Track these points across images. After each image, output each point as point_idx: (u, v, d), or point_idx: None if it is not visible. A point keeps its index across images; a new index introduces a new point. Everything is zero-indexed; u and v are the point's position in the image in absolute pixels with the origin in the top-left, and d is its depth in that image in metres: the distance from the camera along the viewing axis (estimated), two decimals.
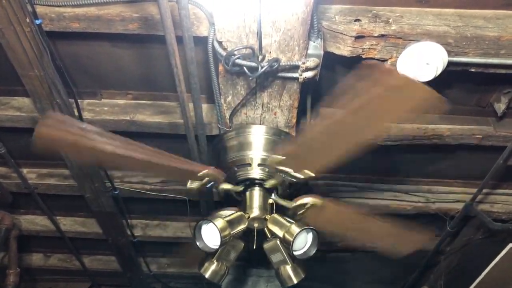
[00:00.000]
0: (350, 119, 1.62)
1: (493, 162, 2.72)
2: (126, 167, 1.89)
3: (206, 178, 2.10)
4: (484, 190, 3.09)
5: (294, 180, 2.08)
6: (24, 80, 2.31)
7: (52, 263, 4.67)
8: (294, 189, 2.39)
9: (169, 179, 2.18)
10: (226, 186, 2.28)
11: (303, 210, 2.18)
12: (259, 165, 2.30)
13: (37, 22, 2.02)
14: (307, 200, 2.16)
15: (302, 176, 2.03)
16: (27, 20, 2.00)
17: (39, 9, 2.02)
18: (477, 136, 2.63)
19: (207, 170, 2.06)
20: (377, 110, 1.55)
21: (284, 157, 1.98)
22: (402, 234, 2.33)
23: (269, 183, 2.26)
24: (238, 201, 2.44)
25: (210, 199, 3.23)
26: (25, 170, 3.28)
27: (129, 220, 3.82)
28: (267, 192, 2.32)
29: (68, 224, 3.96)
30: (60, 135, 1.62)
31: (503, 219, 3.28)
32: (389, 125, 1.72)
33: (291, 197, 2.28)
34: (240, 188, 2.34)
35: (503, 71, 2.11)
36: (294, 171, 2.03)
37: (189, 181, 2.12)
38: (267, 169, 2.31)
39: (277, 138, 2.38)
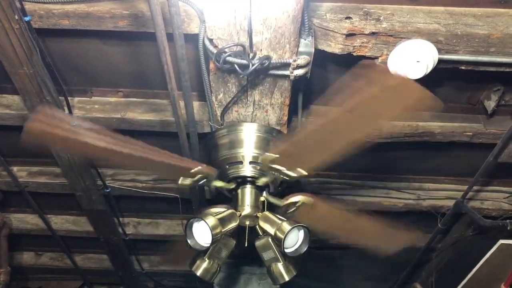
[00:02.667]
0: (344, 118, 1.63)
1: (484, 159, 2.74)
2: (118, 163, 1.88)
3: (199, 175, 2.09)
4: (475, 187, 3.11)
5: (287, 178, 2.08)
6: (14, 78, 2.29)
7: (44, 262, 4.64)
8: (285, 187, 2.40)
9: (161, 175, 2.16)
10: (218, 183, 2.28)
11: (294, 208, 2.19)
12: (250, 162, 2.30)
13: (26, 19, 2.00)
14: (298, 198, 2.18)
15: (294, 175, 2.04)
16: (16, 17, 1.98)
17: (28, 6, 1.99)
18: (468, 133, 2.64)
19: (200, 167, 2.06)
20: (371, 109, 1.56)
21: (277, 155, 1.99)
22: (389, 233, 2.36)
23: (261, 181, 2.26)
24: (229, 198, 2.44)
25: (202, 197, 3.22)
26: (15, 168, 3.26)
27: (120, 218, 3.80)
28: (258, 190, 2.32)
29: (59, 222, 3.94)
30: (51, 130, 1.61)
31: (493, 216, 3.31)
32: (382, 124, 1.72)
33: (282, 196, 2.29)
34: (232, 185, 2.34)
35: (493, 69, 2.12)
36: (287, 169, 2.04)
37: (181, 178, 2.12)
38: (258, 167, 2.31)
39: (269, 135, 2.38)
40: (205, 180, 2.16)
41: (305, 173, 2.01)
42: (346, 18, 2.00)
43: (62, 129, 1.65)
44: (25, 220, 3.94)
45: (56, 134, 1.63)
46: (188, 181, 2.12)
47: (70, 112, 2.51)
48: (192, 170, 2.04)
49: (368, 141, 1.71)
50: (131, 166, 1.99)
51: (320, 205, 2.23)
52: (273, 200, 2.27)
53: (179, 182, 2.12)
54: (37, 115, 1.60)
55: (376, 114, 1.60)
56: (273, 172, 2.11)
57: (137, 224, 3.98)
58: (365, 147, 1.68)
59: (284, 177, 2.10)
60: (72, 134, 1.67)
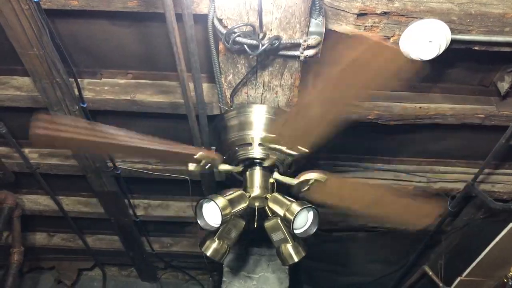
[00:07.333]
0: (330, 89, 1.62)
1: (496, 141, 2.71)
2: (123, 155, 1.94)
3: (203, 161, 2.10)
4: (486, 170, 3.09)
5: (289, 157, 2.10)
6: (24, 59, 2.30)
7: (56, 242, 4.72)
8: (297, 167, 2.39)
9: (168, 163, 2.20)
10: (225, 167, 2.28)
11: (307, 187, 2.18)
12: (259, 144, 2.30)
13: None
14: (310, 175, 2.15)
15: (295, 153, 2.05)
16: None
17: None
18: (480, 115, 2.61)
19: (201, 153, 2.06)
20: (354, 76, 1.53)
21: (274, 135, 2.01)
22: (415, 207, 2.30)
23: (267, 162, 2.26)
24: (240, 180, 2.44)
25: (212, 179, 3.24)
26: (26, 150, 3.28)
27: (131, 200, 3.83)
28: (268, 171, 2.32)
29: (71, 204, 3.98)
30: (55, 134, 1.67)
31: (504, 199, 3.29)
32: (370, 91, 1.67)
33: (294, 176, 2.28)
34: (239, 168, 2.35)
35: (507, 49, 2.09)
36: (287, 148, 2.05)
37: (189, 164, 2.13)
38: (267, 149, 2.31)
39: (278, 117, 2.37)
40: (210, 165, 2.17)
41: (305, 150, 2.01)
42: None
43: (65, 131, 1.70)
44: (37, 201, 3.99)
45: (60, 137, 1.69)
46: (195, 167, 2.13)
47: (80, 93, 2.52)
48: (195, 156, 2.05)
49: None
50: (136, 157, 2.05)
51: (333, 180, 2.20)
52: (285, 179, 2.26)
53: (188, 168, 2.14)
54: (37, 122, 1.63)
55: (359, 82, 1.56)
56: (276, 152, 2.12)
57: (147, 206, 4.01)
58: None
59: (287, 156, 2.11)
60: (76, 134, 1.72)
